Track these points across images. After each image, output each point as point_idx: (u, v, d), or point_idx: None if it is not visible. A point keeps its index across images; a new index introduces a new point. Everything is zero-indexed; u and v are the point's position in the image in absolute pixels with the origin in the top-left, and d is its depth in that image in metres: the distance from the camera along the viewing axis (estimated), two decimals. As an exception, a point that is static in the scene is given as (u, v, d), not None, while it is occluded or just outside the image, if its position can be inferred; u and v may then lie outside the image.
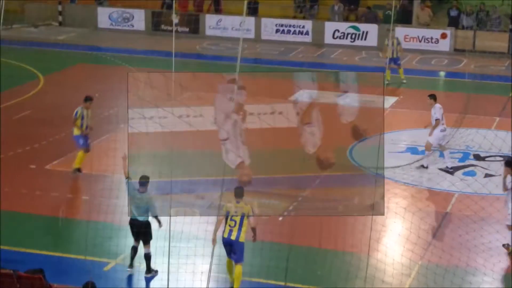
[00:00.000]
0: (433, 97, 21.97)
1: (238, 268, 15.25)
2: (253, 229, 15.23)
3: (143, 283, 15.75)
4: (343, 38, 37.04)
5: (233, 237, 15.08)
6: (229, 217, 15.14)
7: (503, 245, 16.96)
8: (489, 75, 31.55)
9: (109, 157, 21.28)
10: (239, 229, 15.08)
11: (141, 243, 15.94)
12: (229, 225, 15.15)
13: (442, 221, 18.42)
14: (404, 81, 30.69)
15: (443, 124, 21.69)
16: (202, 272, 15.99)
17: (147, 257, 15.85)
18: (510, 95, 28.54)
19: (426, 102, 22.04)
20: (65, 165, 21.66)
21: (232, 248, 15.19)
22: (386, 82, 30.76)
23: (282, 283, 15.23)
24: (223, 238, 15.23)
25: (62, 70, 32.26)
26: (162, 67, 30.16)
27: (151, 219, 15.91)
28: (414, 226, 18.06)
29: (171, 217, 14.95)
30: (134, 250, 15.99)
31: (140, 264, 16.15)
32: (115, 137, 23.37)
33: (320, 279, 15.74)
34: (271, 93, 29.53)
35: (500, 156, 22.32)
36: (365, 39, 36.84)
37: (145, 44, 36.77)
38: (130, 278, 15.71)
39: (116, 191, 19.28)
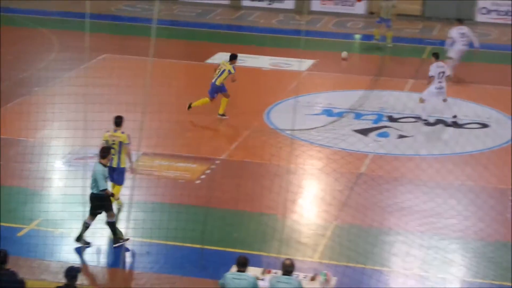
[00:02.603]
0: (435, 55, 22.87)
1: (118, 188, 16.51)
2: (128, 155, 16.30)
3: (58, 248, 15.57)
4: (260, 1, 36.99)
5: (114, 164, 16.21)
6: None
7: None
8: (403, 37, 32.00)
9: (22, 121, 20.91)
10: (119, 157, 16.29)
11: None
12: (111, 154, 15.97)
13: (356, 182, 18.73)
14: (390, 45, 30.78)
15: (439, 81, 22.31)
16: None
17: (109, 225, 15.42)
18: (423, 56, 29.03)
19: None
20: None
21: (114, 173, 16.28)
22: (375, 40, 30.95)
23: (199, 246, 15.28)
24: (120, 170, 16.32)
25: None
26: (76, 29, 29.64)
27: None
28: (329, 187, 18.34)
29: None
30: (85, 225, 15.38)
31: (55, 229, 15.98)
32: (29, 100, 22.93)
33: (236, 241, 15.84)
34: (188, 55, 29.42)
35: (413, 117, 22.75)
36: (282, 1, 36.86)
37: (58, 5, 35.92)
38: (45, 243, 15.50)
39: (29, 155, 18.96)
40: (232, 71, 22.24)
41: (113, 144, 16.25)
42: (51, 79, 24.58)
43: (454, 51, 26.91)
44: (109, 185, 15.80)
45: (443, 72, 22.45)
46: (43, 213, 16.44)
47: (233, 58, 22.64)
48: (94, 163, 15.42)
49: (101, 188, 15.14)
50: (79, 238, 15.38)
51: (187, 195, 17.59)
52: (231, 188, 17.82)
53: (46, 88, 23.68)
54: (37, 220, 16.42)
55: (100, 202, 15.25)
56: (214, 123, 22.01)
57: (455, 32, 27.11)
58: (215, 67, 22.73)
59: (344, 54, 29.35)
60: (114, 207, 16.03)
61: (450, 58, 27.02)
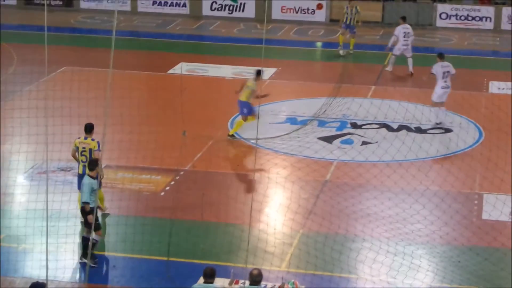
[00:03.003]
0: (440, 55, 23.15)
1: (100, 192, 16.27)
2: (96, 161, 16.12)
3: (22, 264, 15.32)
4: (221, 10, 36.95)
5: (87, 172, 15.87)
6: (80, 153, 16.42)
7: None
8: (364, 44, 32.12)
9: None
10: None
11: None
12: (81, 161, 16.38)
13: (322, 189, 18.71)
14: (351, 51, 30.65)
15: (445, 81, 22.62)
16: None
17: (82, 239, 15.22)
18: (384, 63, 29.17)
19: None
20: None
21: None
22: (339, 47, 30.79)
23: (165, 258, 15.14)
24: (79, 175, 16.40)
25: None
26: (35, 41, 29.40)
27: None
28: (294, 195, 18.27)
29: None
30: (93, 242, 15.12)
31: (18, 245, 15.74)
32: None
33: (203, 252, 15.72)
34: (149, 66, 29.26)
35: (376, 123, 22.81)
36: (242, 10, 36.86)
37: (17, 18, 35.65)
38: (8, 259, 15.24)
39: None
40: (253, 87, 21.61)
41: (83, 151, 16.38)
42: (10, 93, 24.27)
43: (396, 49, 27.68)
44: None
45: (448, 72, 22.68)
46: (5, 228, 16.19)
47: (257, 74, 21.89)
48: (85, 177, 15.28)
49: (83, 200, 15.00)
50: (85, 255, 15.20)
51: (152, 207, 17.43)
52: (196, 199, 17.68)
53: (6, 102, 23.36)
54: (0, 236, 16.15)
55: (83, 216, 15.11)
56: (177, 133, 21.85)
57: (400, 30, 27.80)
58: (243, 82, 22.13)
59: (341, 52, 30.14)
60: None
61: (394, 55, 27.68)
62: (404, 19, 28.48)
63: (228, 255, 15.47)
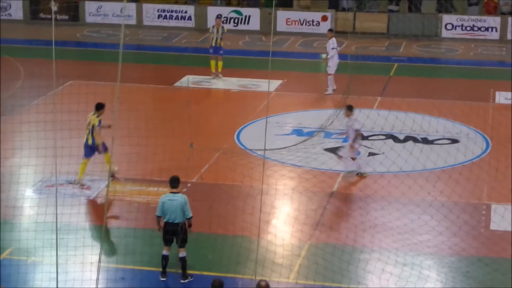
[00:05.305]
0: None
1: (107, 155, 19.11)
2: (98, 135, 18.97)
3: (31, 277, 15.35)
4: (226, 23, 37.00)
5: (89, 143, 19.12)
6: (87, 125, 19.14)
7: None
8: (369, 55, 32.15)
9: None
10: (92, 136, 19.07)
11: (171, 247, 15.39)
12: (86, 133, 19.15)
13: (329, 200, 18.71)
14: (220, 75, 28.94)
15: None
16: (91, 263, 15.78)
17: (184, 260, 15.21)
18: (390, 74, 29.20)
19: None
20: None
21: (95, 150, 19.17)
22: (213, 75, 28.90)
23: (173, 271, 15.15)
24: (84, 144, 19.08)
25: None
26: (41, 56, 29.55)
27: None
28: (302, 206, 18.29)
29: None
30: (166, 258, 15.23)
31: (28, 257, 15.75)
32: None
33: (211, 264, 15.73)
34: (155, 79, 29.34)
35: (383, 134, 22.82)
36: (247, 23, 36.95)
37: (23, 33, 35.81)
38: (18, 272, 15.27)
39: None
40: None
41: (88, 124, 19.11)
42: (18, 107, 24.34)
43: (334, 65, 26.71)
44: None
45: None
46: (15, 241, 16.22)
47: None
48: (171, 196, 15.15)
49: (189, 216, 15.08)
50: (165, 273, 15.27)
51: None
52: (204, 211, 17.69)
53: (13, 116, 23.43)
54: (9, 249, 16.19)
55: (182, 232, 15.07)
56: (184, 145, 21.90)
57: (335, 44, 26.86)
58: None
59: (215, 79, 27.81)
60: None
61: (330, 74, 26.85)
62: (331, 31, 27.45)
63: (236, 266, 15.47)
